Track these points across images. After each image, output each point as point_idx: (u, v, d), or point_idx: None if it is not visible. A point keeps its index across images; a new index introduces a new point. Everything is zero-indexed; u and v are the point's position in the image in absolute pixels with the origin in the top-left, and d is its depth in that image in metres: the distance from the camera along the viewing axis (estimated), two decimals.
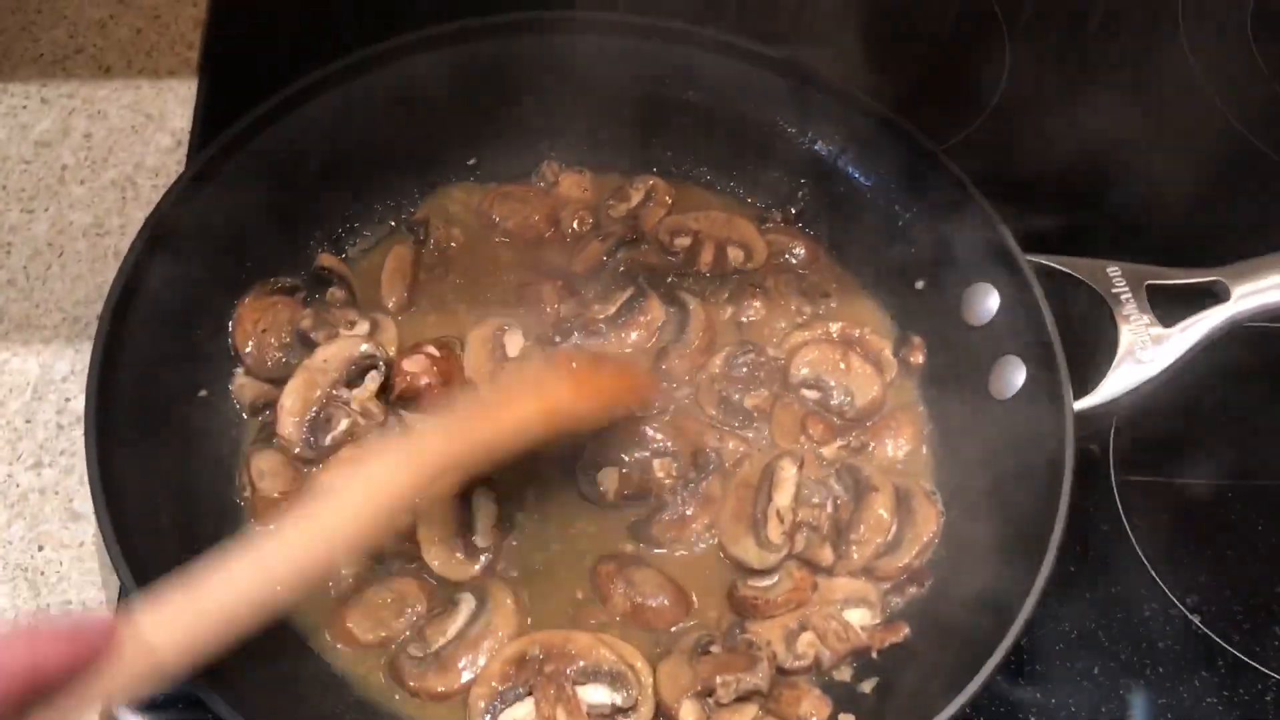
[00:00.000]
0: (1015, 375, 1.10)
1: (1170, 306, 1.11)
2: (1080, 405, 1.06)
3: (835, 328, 1.19)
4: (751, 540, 1.05)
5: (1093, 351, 1.10)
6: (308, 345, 1.12)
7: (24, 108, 1.36)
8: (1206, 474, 1.21)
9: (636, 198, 1.26)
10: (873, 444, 1.14)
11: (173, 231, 1.08)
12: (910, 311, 1.20)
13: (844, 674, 1.03)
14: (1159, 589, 1.13)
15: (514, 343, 1.17)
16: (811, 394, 1.16)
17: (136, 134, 1.35)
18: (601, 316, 1.18)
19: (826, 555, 1.05)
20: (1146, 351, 1.10)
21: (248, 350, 1.12)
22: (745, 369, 1.16)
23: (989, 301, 1.14)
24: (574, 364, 1.10)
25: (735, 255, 1.23)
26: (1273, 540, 1.17)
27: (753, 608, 1.04)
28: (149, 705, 0.98)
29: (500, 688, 0.98)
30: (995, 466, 1.08)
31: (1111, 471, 1.19)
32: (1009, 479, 1.06)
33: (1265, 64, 1.46)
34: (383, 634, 1.02)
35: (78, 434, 1.15)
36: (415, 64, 1.20)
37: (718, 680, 0.98)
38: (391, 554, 1.05)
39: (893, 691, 1.00)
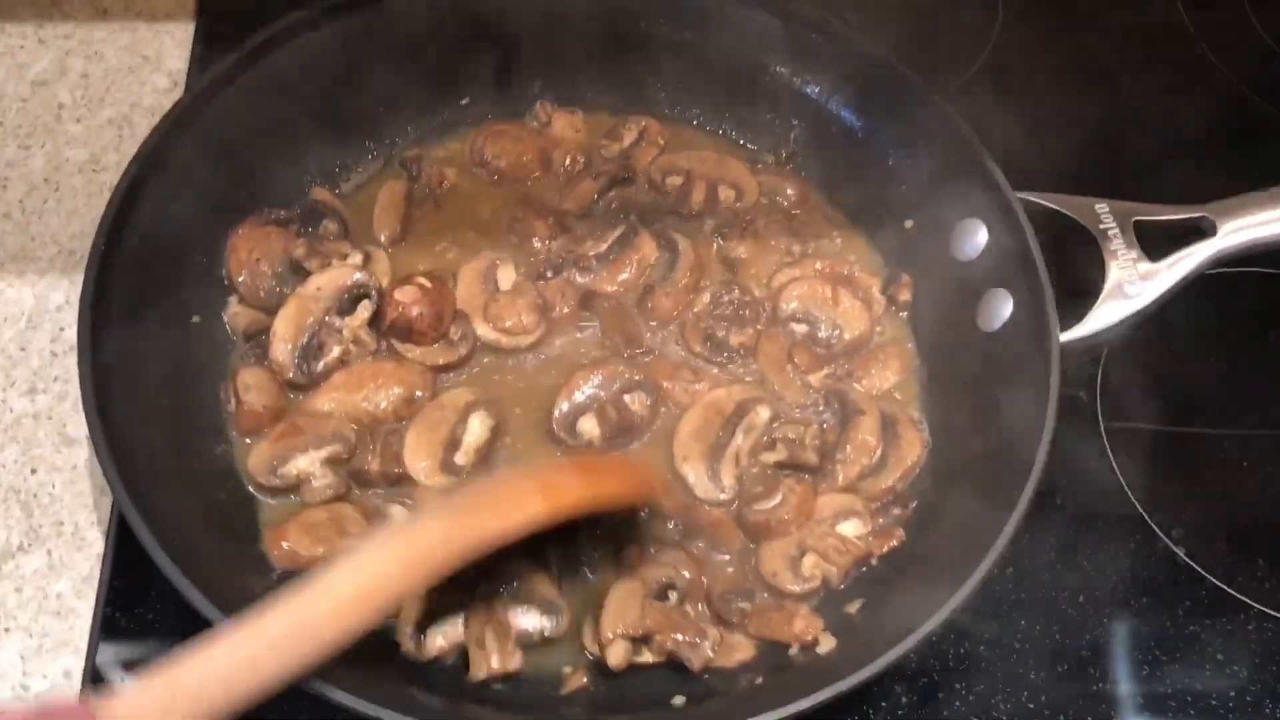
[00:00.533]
0: (1003, 307, 1.11)
1: (1157, 243, 1.12)
2: (1067, 337, 1.07)
3: (824, 265, 1.20)
4: (703, 467, 1.06)
5: (1081, 287, 1.11)
6: (300, 274, 1.12)
7: (21, 47, 1.36)
8: (1192, 416, 1.22)
9: (629, 138, 1.27)
10: (859, 374, 1.15)
11: (166, 161, 1.08)
12: (899, 249, 1.21)
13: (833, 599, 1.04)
14: (1145, 523, 1.14)
15: (506, 276, 1.17)
16: (800, 328, 1.17)
17: (133, 74, 1.36)
18: (593, 253, 1.19)
19: (811, 457, 1.06)
20: (1134, 286, 1.10)
21: (241, 279, 1.12)
22: (731, 307, 1.17)
23: (978, 237, 1.15)
24: (581, 462, 1.07)
25: (726, 195, 1.24)
26: (1257, 477, 1.18)
27: (766, 529, 1.05)
28: None
29: (430, 606, 0.98)
30: (981, 397, 1.09)
31: (1099, 415, 1.20)
32: (995, 409, 1.07)
33: (1254, 14, 1.48)
34: (323, 549, 0.99)
35: (71, 362, 1.14)
36: (409, 2, 1.21)
37: (657, 636, 0.98)
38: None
39: (876, 614, 1.01)
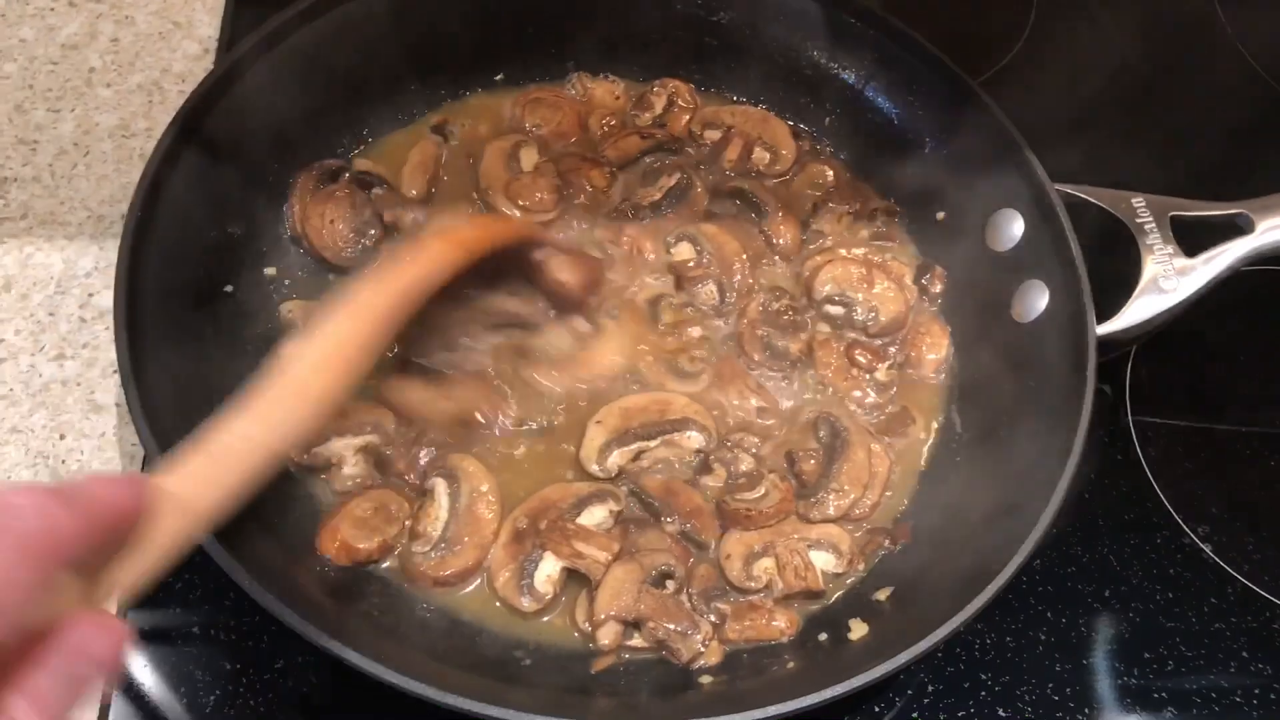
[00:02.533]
0: (1038, 299, 1.10)
1: (1194, 238, 1.11)
2: (1103, 330, 1.06)
3: (860, 252, 1.20)
4: (604, 439, 1.06)
5: (1117, 280, 1.10)
6: (385, 229, 1.14)
7: (52, 10, 1.35)
8: (1220, 413, 1.23)
9: (659, 104, 1.27)
10: (914, 357, 1.15)
11: (200, 128, 1.08)
12: (933, 239, 1.21)
13: (862, 585, 1.04)
14: (1172, 519, 1.14)
15: (529, 157, 1.21)
16: (835, 309, 1.16)
17: (164, 40, 1.35)
18: (647, 202, 1.19)
19: (739, 507, 1.05)
20: (1170, 281, 1.10)
21: (324, 243, 1.13)
22: (785, 316, 1.15)
23: (1014, 228, 1.14)
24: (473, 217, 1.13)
25: (760, 156, 1.24)
26: None
27: (745, 519, 1.04)
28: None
29: (517, 563, 0.99)
30: (1016, 388, 1.08)
31: (1127, 409, 1.20)
32: (1030, 400, 1.06)
33: None
34: (378, 539, 1.00)
35: (100, 328, 1.15)
36: None
37: (649, 623, 0.98)
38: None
39: (906, 602, 1.01)
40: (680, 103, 1.26)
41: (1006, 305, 1.13)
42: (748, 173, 1.23)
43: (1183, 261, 1.10)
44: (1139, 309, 1.09)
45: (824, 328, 1.17)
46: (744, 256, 1.17)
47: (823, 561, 1.04)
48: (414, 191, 1.19)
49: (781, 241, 1.19)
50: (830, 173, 1.24)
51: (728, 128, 1.24)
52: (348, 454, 1.03)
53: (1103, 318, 1.07)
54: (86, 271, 1.19)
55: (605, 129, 1.25)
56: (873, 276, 1.16)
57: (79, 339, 1.15)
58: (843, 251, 1.20)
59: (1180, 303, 1.09)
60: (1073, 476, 0.96)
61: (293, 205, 1.14)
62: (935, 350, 1.15)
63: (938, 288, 1.19)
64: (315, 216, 1.13)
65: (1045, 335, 1.08)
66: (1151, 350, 1.23)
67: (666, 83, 1.27)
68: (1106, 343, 1.07)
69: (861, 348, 1.14)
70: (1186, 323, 1.12)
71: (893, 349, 1.16)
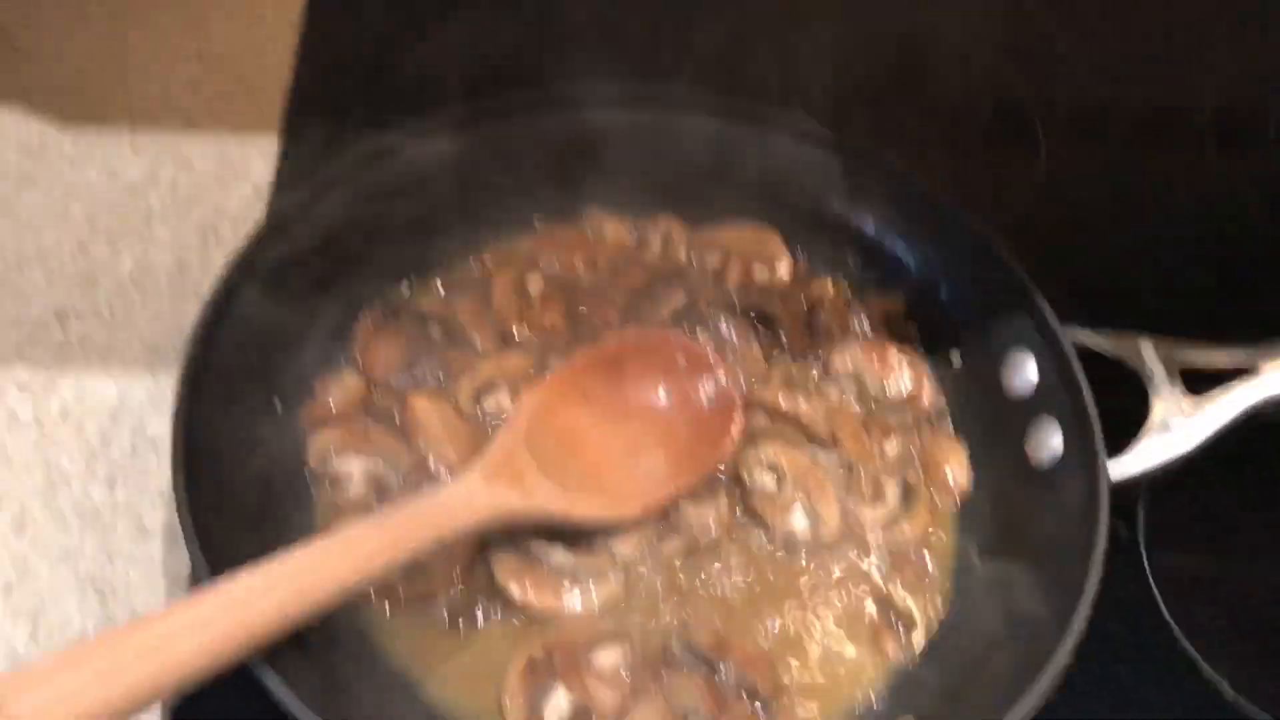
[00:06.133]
0: (1052, 439, 1.14)
1: (1202, 382, 1.16)
2: (1113, 470, 1.10)
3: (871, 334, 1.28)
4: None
5: (1126, 422, 1.15)
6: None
7: (116, 155, 1.44)
8: (1239, 551, 1.25)
9: (656, 241, 1.34)
10: (933, 462, 1.20)
11: (255, 268, 1.15)
12: (946, 378, 1.26)
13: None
14: (1196, 666, 1.15)
15: (535, 286, 1.28)
16: (849, 386, 1.23)
17: (220, 183, 1.43)
18: (654, 323, 1.26)
19: None
20: (1178, 423, 1.14)
21: (380, 374, 1.20)
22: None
23: (1028, 370, 1.19)
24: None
25: (761, 273, 1.31)
26: None
27: None
28: None
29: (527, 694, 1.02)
30: (1030, 525, 1.12)
31: (1141, 548, 1.23)
32: (1044, 538, 1.10)
33: None
34: None
35: (151, 456, 1.20)
36: (494, 130, 1.29)
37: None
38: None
39: None
40: (675, 235, 1.34)
41: (1021, 444, 1.17)
42: (751, 289, 1.30)
43: (1191, 404, 1.15)
44: (1148, 452, 1.13)
45: (847, 402, 1.23)
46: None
47: None
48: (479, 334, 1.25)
49: (797, 347, 1.26)
50: (833, 286, 1.31)
51: (725, 249, 1.32)
52: (355, 473, 1.12)
53: (1113, 456, 1.11)
54: (140, 402, 1.24)
55: (612, 265, 1.32)
56: (885, 355, 1.24)
57: (131, 466, 1.20)
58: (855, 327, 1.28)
59: (1189, 444, 1.14)
60: (1087, 616, 0.99)
61: (351, 338, 1.21)
62: (956, 467, 1.19)
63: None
64: (381, 358, 1.20)
65: (1059, 475, 1.12)
66: (1165, 486, 1.26)
67: (658, 220, 1.34)
68: (1118, 483, 1.11)
69: (875, 422, 1.21)
70: (1206, 461, 1.16)
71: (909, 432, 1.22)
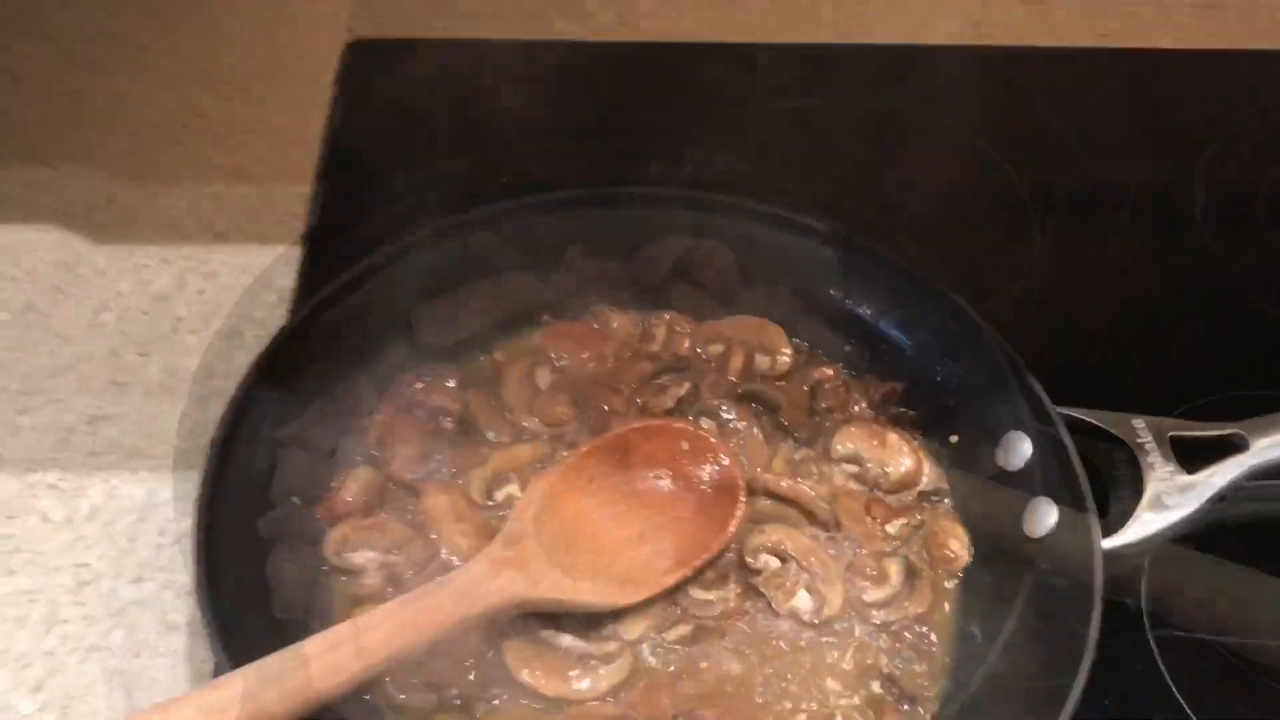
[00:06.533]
0: (1048, 516, 1.16)
1: (1192, 457, 1.19)
2: (1109, 545, 1.13)
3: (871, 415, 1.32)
4: None
5: (1120, 496, 1.18)
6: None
7: (146, 266, 1.52)
8: (1245, 624, 1.26)
9: (660, 334, 1.38)
10: (937, 540, 1.22)
11: (275, 371, 1.21)
12: (945, 458, 1.29)
13: None
14: None
15: (544, 377, 1.32)
16: (850, 468, 1.26)
17: (244, 292, 1.50)
18: (660, 410, 1.29)
19: None
20: (1171, 497, 1.18)
21: (399, 466, 1.24)
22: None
23: (1023, 449, 1.22)
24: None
25: (762, 361, 1.35)
26: None
27: None
28: None
29: None
30: (1027, 600, 1.14)
31: (1145, 623, 1.24)
32: (1041, 613, 1.12)
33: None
34: None
35: (177, 553, 1.25)
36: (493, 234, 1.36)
37: None
38: None
39: None
40: (678, 328, 1.39)
41: (1018, 521, 1.20)
42: (753, 377, 1.34)
43: (1183, 479, 1.18)
44: (1143, 525, 1.16)
45: (849, 484, 1.26)
46: None
47: None
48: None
49: (799, 431, 1.30)
50: (831, 371, 1.35)
51: (727, 339, 1.37)
52: (370, 564, 1.15)
53: (1110, 531, 1.14)
54: (166, 500, 1.29)
55: (619, 359, 1.36)
56: (885, 437, 1.27)
57: (157, 563, 1.24)
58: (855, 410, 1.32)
59: (1183, 519, 1.16)
60: (1083, 689, 1.01)
61: (370, 429, 1.26)
62: (956, 544, 1.22)
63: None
64: (402, 446, 1.24)
65: (1054, 550, 1.15)
66: (1168, 560, 1.27)
67: (663, 316, 1.39)
68: (1115, 557, 1.13)
69: (877, 504, 1.23)
70: (1203, 531, 1.19)
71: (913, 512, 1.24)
